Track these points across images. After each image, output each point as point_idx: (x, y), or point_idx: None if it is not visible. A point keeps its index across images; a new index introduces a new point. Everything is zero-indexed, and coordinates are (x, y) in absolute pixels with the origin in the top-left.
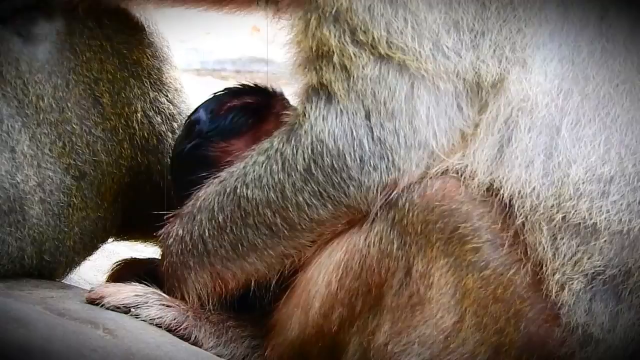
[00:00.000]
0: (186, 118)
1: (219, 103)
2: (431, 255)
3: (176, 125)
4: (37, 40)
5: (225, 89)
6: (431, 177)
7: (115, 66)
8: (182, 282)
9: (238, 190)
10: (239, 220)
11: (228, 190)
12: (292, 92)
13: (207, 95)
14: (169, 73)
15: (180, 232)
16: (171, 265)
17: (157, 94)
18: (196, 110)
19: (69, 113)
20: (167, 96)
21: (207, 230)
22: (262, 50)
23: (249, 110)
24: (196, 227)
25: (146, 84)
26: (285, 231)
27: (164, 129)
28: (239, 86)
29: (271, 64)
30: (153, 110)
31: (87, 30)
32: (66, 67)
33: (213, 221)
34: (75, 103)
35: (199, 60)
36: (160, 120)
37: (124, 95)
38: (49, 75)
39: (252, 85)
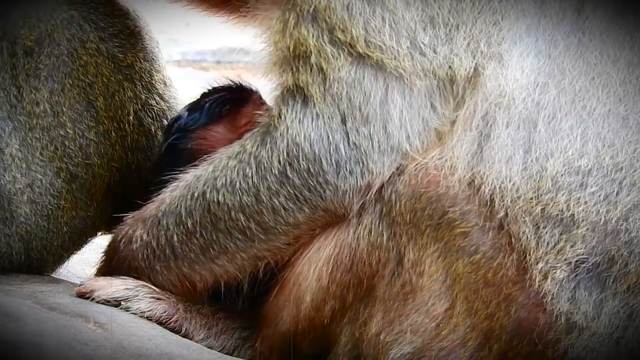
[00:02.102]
0: (168, 122)
1: (197, 100)
2: (422, 242)
3: (165, 122)
4: (34, 46)
5: (204, 92)
6: (414, 166)
7: (110, 69)
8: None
9: (207, 195)
10: (209, 225)
11: (196, 194)
12: (269, 83)
13: (188, 86)
14: (160, 73)
15: (145, 236)
16: (136, 270)
17: (148, 95)
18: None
19: (63, 117)
20: (157, 95)
21: (175, 235)
22: (243, 41)
23: (225, 99)
24: (163, 232)
25: (138, 87)
26: (259, 235)
27: (154, 128)
28: (216, 85)
29: (252, 54)
30: (144, 111)
31: (84, 34)
32: (62, 71)
33: (181, 226)
34: (69, 107)
35: (179, 52)
36: (150, 120)
37: (117, 99)
38: (45, 80)
39: (228, 82)
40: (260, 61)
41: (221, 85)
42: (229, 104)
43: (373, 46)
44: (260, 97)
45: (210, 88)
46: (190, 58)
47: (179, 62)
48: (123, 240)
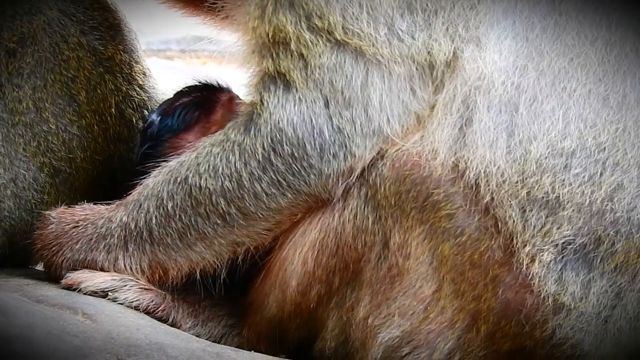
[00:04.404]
0: (142, 126)
1: (168, 104)
2: (407, 225)
3: (146, 113)
4: (17, 47)
5: (176, 93)
6: (397, 150)
7: (91, 63)
8: (110, 262)
9: (190, 180)
10: (189, 208)
11: (179, 179)
12: (235, 71)
13: (154, 75)
14: (139, 64)
15: (125, 218)
16: (108, 246)
17: (129, 86)
18: (149, 116)
19: (46, 113)
20: (138, 86)
21: (154, 218)
22: (207, 30)
23: (196, 104)
24: (142, 215)
25: (119, 79)
26: (239, 220)
27: (135, 119)
28: (188, 86)
29: (216, 43)
30: (125, 103)
31: (65, 28)
32: (45, 67)
33: (161, 209)
34: (52, 102)
35: (144, 41)
36: (131, 111)
37: (99, 92)
38: (28, 78)
39: (199, 82)
40: (238, 51)
41: (194, 85)
42: (201, 109)
43: (351, 33)
44: (233, 96)
45: (184, 88)
46: (154, 47)
47: (145, 52)
48: (104, 219)
